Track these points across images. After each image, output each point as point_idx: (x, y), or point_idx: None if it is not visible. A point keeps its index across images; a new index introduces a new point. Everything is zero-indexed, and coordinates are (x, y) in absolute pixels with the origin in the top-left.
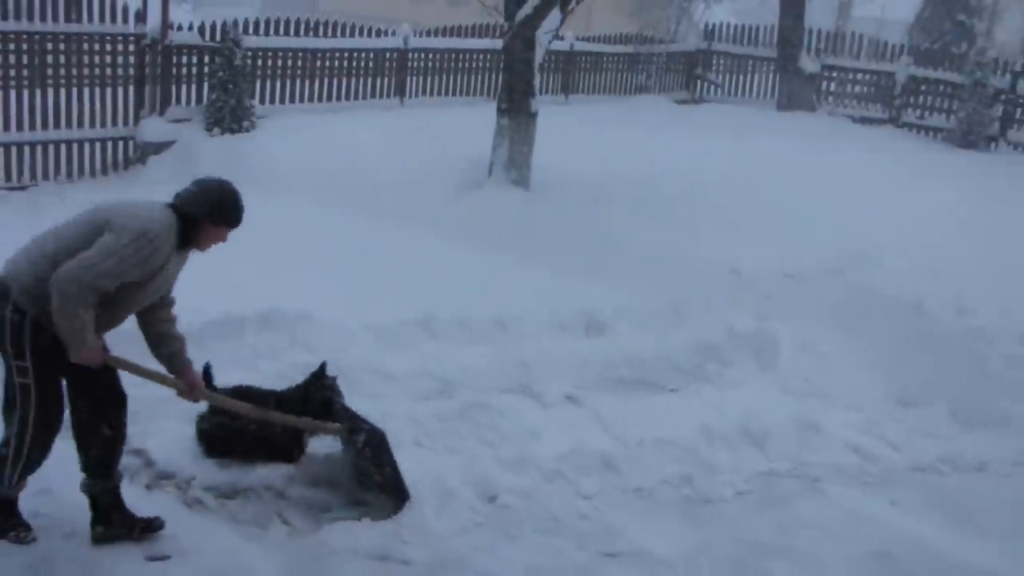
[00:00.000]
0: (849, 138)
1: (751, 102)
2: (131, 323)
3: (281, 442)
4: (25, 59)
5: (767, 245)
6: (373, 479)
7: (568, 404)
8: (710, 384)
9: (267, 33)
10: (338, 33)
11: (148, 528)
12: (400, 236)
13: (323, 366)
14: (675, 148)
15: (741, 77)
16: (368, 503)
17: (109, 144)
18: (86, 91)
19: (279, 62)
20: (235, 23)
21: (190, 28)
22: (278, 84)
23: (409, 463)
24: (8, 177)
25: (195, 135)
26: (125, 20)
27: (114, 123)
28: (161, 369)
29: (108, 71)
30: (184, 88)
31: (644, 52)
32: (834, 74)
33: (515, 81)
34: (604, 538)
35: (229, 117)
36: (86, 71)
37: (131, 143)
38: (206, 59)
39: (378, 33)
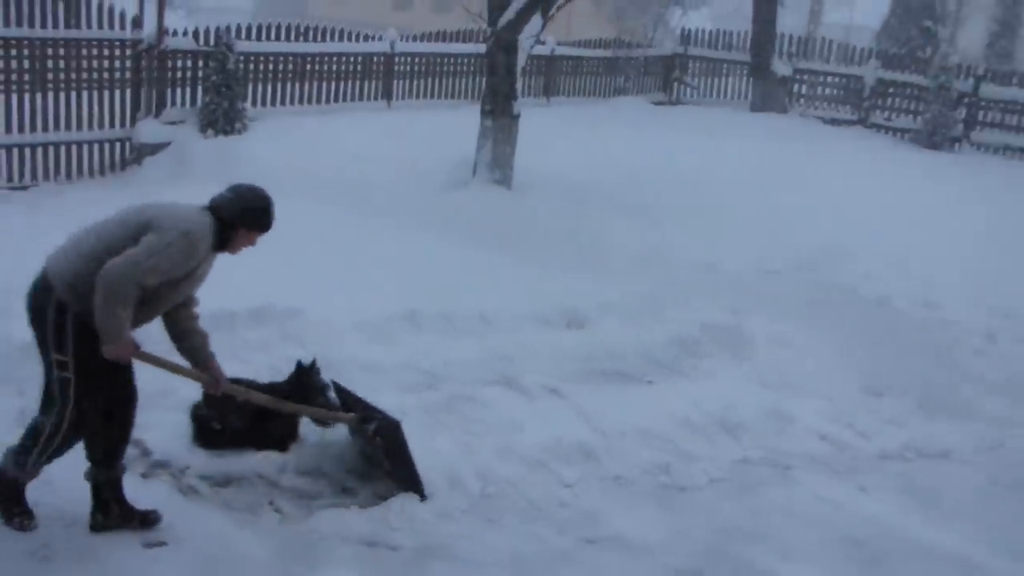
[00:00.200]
0: (820, 139)
1: (726, 104)
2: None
3: (275, 432)
4: (26, 64)
5: (742, 242)
6: (383, 467)
7: (550, 396)
8: (687, 376)
9: (259, 38)
10: (327, 38)
11: (145, 521)
12: (387, 234)
13: (313, 362)
14: (653, 148)
15: (716, 80)
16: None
17: (107, 145)
18: (85, 94)
19: (271, 66)
20: (228, 28)
21: (185, 33)
22: (270, 87)
23: None
24: (10, 177)
25: (189, 136)
26: (122, 26)
27: (111, 125)
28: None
29: (106, 75)
30: (179, 91)
31: (623, 56)
32: (805, 77)
33: (498, 84)
34: (584, 524)
35: (222, 119)
36: (85, 75)
37: (128, 144)
38: (200, 63)
39: (366, 38)
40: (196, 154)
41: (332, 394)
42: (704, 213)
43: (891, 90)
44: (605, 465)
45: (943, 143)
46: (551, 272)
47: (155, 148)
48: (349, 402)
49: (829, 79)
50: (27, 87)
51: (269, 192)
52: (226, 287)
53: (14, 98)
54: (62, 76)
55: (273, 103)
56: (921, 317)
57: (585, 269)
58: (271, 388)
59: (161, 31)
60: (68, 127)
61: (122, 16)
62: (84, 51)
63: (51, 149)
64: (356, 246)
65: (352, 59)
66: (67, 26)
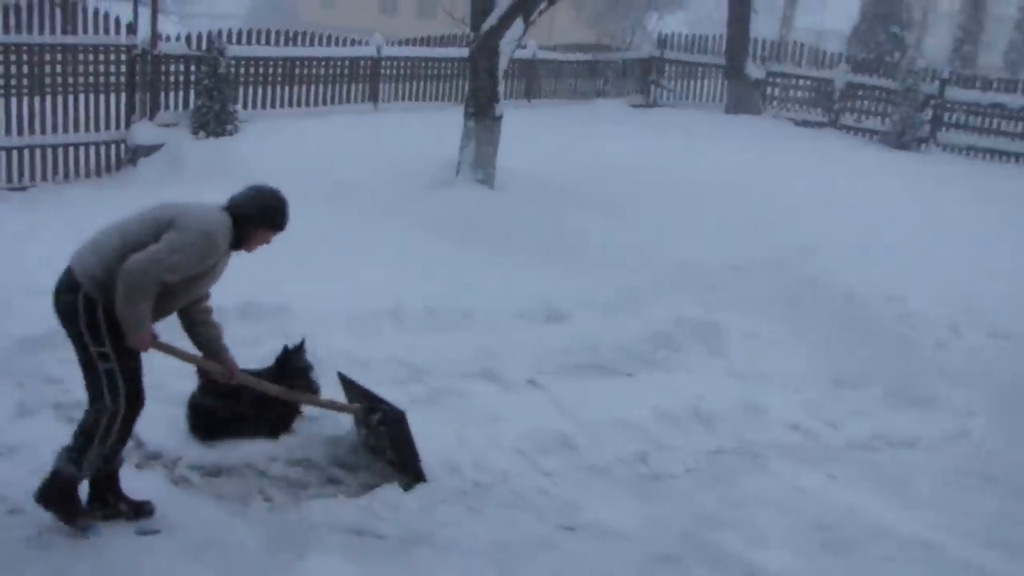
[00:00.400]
0: (792, 140)
1: (701, 106)
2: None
3: (268, 422)
4: (25, 68)
5: (714, 239)
6: (386, 455)
7: (529, 388)
8: (662, 369)
9: (249, 43)
10: (316, 43)
11: (139, 511)
12: (373, 231)
13: (301, 343)
14: (631, 149)
15: (692, 83)
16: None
17: (102, 147)
18: (81, 98)
19: (261, 70)
20: (219, 34)
21: (178, 39)
22: (260, 90)
23: None
24: (9, 178)
25: (182, 138)
26: (117, 32)
27: (107, 127)
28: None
29: (101, 79)
30: (172, 94)
31: (602, 60)
32: (778, 80)
33: (481, 87)
34: (563, 512)
35: (214, 121)
36: (81, 79)
37: (123, 146)
38: (192, 67)
39: (353, 43)
40: (188, 155)
41: (314, 375)
42: (680, 212)
43: (860, 93)
44: (584, 455)
45: (910, 144)
46: (532, 268)
47: (149, 150)
48: (355, 393)
49: (801, 82)
50: (25, 91)
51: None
52: (217, 284)
53: (13, 102)
54: (59, 80)
55: (263, 106)
56: (887, 311)
57: (565, 265)
58: (259, 373)
59: (155, 36)
60: (65, 130)
61: (117, 22)
62: (80, 56)
63: (49, 151)
64: (343, 243)
65: (340, 63)
66: (64, 32)
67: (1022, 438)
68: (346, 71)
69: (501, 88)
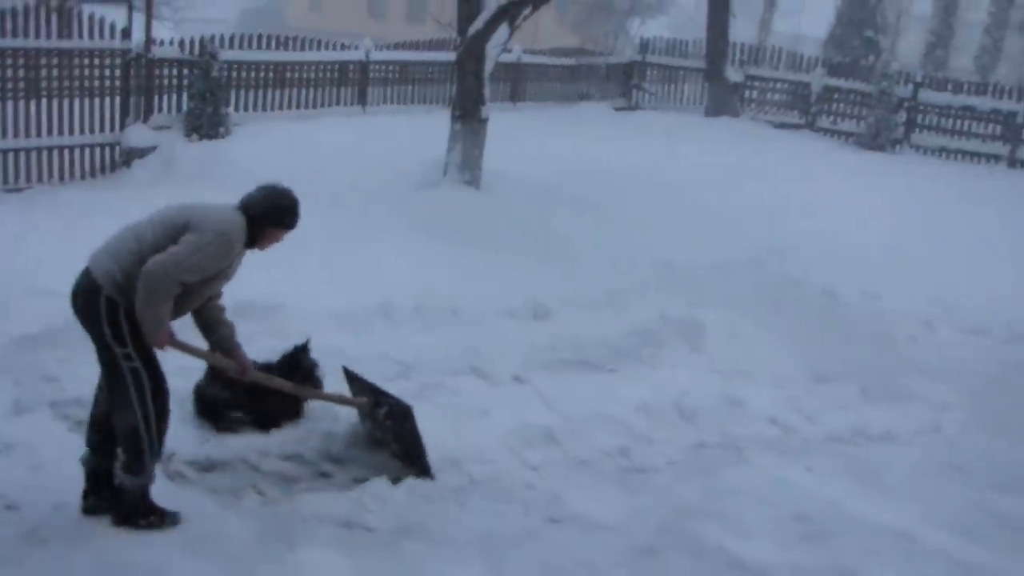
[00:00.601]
0: (770, 141)
1: (682, 109)
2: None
3: (275, 410)
4: (21, 72)
5: (696, 238)
6: (390, 448)
7: (516, 384)
8: (645, 365)
9: (241, 47)
10: (306, 47)
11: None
12: (362, 231)
13: (307, 342)
14: (613, 151)
15: (673, 86)
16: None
17: (97, 149)
18: (76, 101)
19: (252, 74)
20: (212, 38)
21: (171, 43)
22: (252, 94)
23: None
24: (5, 180)
25: (175, 141)
26: (112, 36)
27: (101, 130)
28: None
29: (96, 83)
30: (166, 98)
31: (585, 64)
32: (756, 83)
33: (467, 90)
34: (549, 505)
35: (206, 124)
36: (76, 83)
37: (117, 148)
38: (185, 71)
39: (342, 47)
40: (182, 157)
41: (319, 372)
42: (662, 212)
43: (836, 96)
44: (568, 449)
45: (885, 145)
46: (518, 267)
47: (143, 152)
48: (360, 387)
49: (778, 85)
50: (22, 94)
51: (243, 192)
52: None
53: (10, 104)
54: (55, 84)
55: (255, 109)
56: (864, 308)
57: (550, 264)
58: (266, 367)
59: (148, 41)
60: (60, 132)
61: (111, 27)
62: (76, 60)
63: (44, 153)
64: (333, 243)
65: (329, 67)
66: (59, 37)
67: (994, 431)
68: (335, 75)
69: (487, 91)
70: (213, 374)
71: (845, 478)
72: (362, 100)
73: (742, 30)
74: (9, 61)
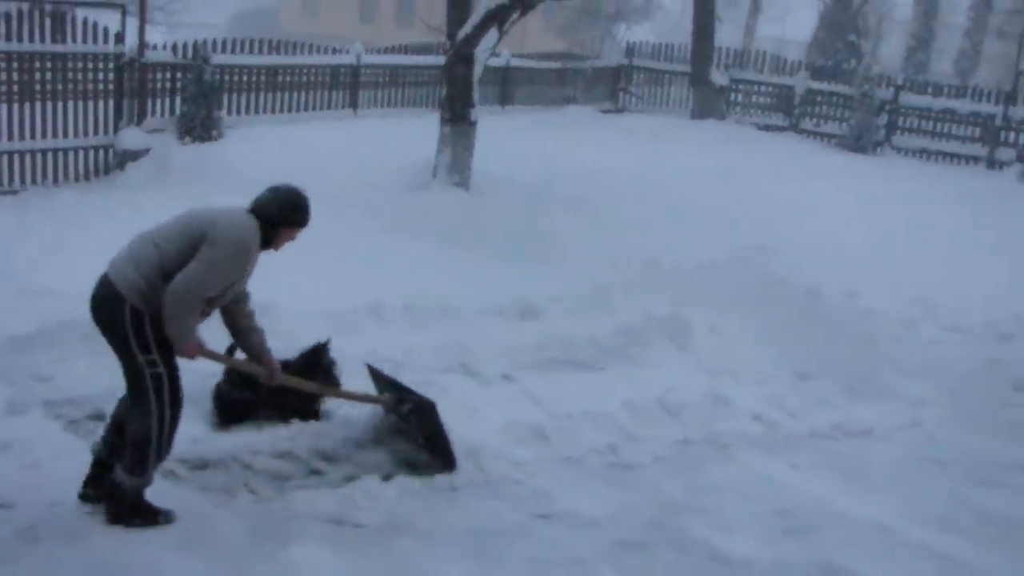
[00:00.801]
0: (754, 143)
1: (668, 111)
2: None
3: (294, 407)
4: (15, 76)
5: (681, 239)
6: (417, 442)
7: (505, 382)
8: (632, 363)
9: (234, 51)
10: (297, 51)
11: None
12: (353, 233)
13: (327, 341)
14: (600, 153)
15: (659, 89)
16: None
17: (91, 152)
18: (70, 104)
19: (244, 77)
20: (205, 43)
21: (164, 48)
22: (244, 97)
23: None
24: (0, 183)
25: (169, 143)
26: (106, 40)
27: (95, 133)
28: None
29: (90, 86)
30: (159, 101)
31: (572, 68)
32: (741, 87)
33: (457, 94)
34: (537, 501)
35: (199, 127)
36: (70, 86)
37: (111, 151)
38: (178, 75)
39: (334, 51)
40: (175, 160)
41: (338, 371)
42: (649, 213)
43: (819, 98)
44: (556, 446)
45: (867, 147)
46: (506, 267)
47: (136, 154)
48: (383, 383)
49: (763, 88)
50: (16, 97)
51: (235, 194)
52: None
53: (4, 108)
54: (49, 87)
55: (247, 112)
56: (846, 307)
57: (538, 264)
58: (284, 365)
59: (142, 45)
60: (55, 135)
61: (105, 31)
62: (70, 64)
63: (39, 155)
64: (325, 243)
65: (321, 70)
66: (54, 41)
67: (972, 426)
68: (327, 78)
69: (476, 95)
70: (232, 375)
71: (828, 474)
72: (353, 103)
73: (727, 35)
74: (4, 64)
